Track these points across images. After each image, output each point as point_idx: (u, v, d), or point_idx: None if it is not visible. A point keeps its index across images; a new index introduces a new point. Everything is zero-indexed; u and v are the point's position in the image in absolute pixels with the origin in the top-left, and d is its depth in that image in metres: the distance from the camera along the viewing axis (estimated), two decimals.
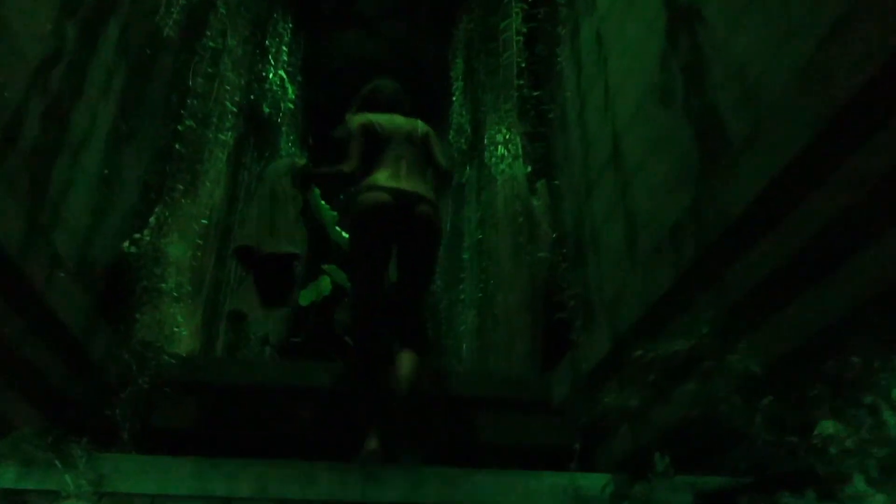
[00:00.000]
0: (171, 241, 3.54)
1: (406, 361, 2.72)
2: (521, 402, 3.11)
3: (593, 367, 2.64)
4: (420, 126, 3.22)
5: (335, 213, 7.70)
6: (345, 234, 7.90)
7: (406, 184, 2.92)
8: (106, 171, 2.76)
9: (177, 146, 2.80)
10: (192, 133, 3.01)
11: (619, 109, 2.96)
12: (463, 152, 5.36)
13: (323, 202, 7.69)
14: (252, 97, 4.99)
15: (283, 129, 5.64)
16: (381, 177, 2.93)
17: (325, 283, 7.31)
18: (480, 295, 4.67)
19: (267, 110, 5.16)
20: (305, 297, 7.20)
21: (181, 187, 2.83)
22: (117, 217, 2.87)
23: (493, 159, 4.78)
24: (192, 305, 4.17)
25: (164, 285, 2.90)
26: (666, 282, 2.10)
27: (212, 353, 4.97)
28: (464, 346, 5.24)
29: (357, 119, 3.18)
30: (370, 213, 2.85)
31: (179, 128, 2.82)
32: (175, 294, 3.54)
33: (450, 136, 5.60)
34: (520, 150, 4.23)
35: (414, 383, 2.65)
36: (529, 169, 3.98)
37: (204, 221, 3.64)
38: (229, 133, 4.91)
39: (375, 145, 3.07)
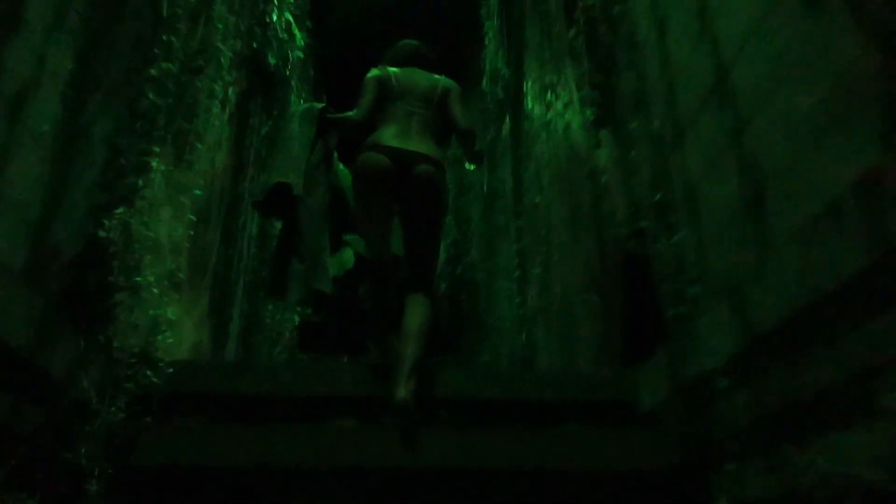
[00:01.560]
0: (159, 220, 2.92)
1: (412, 317, 2.60)
2: (594, 406, 2.48)
3: (708, 371, 1.98)
4: (441, 83, 3.10)
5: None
6: None
7: (410, 143, 2.85)
8: (61, 132, 2.12)
9: (150, 96, 2.13)
10: (173, 80, 2.35)
11: (723, 27, 2.25)
12: (499, 101, 4.65)
13: (342, 166, 7.03)
14: (255, 45, 4.31)
15: (293, 83, 4.96)
16: (386, 134, 2.88)
17: (348, 256, 6.68)
18: (523, 269, 4.02)
19: (273, 61, 4.47)
20: (337, 266, 6.61)
21: (157, 150, 2.17)
22: (79, 192, 2.23)
23: (539, 107, 4.09)
24: (193, 293, 3.57)
25: (145, 277, 2.27)
26: (851, 260, 1.42)
27: (223, 343, 4.40)
28: (506, 329, 4.62)
29: (374, 71, 3.15)
30: (366, 175, 2.80)
31: (153, 71, 2.15)
32: (166, 283, 2.93)
33: (483, 84, 4.89)
34: (574, 95, 3.53)
35: (422, 346, 2.50)
36: (589, 116, 3.29)
37: (198, 192, 2.99)
38: (231, 88, 4.26)
39: (388, 99, 3.02)
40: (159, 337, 2.55)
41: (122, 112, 2.23)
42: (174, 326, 3.27)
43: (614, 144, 3.06)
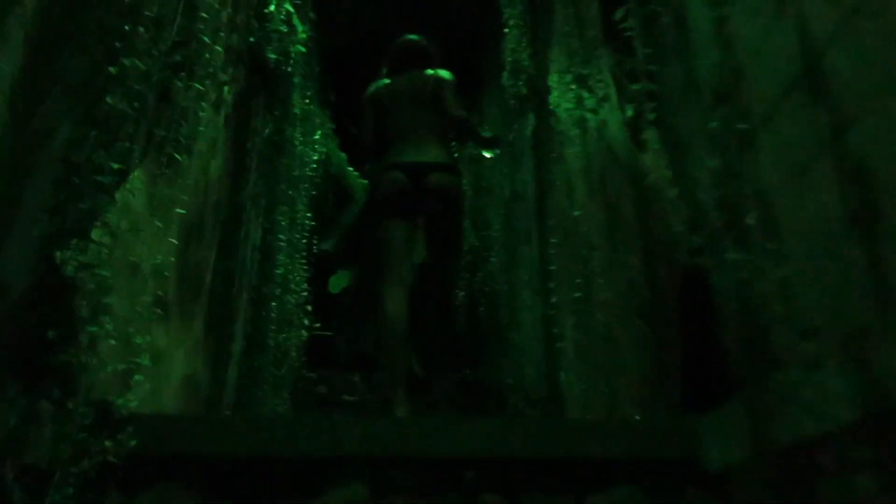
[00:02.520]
0: (136, 242, 2.53)
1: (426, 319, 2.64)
2: (649, 464, 2.07)
3: (812, 438, 1.56)
4: (432, 78, 3.02)
5: (365, 181, 6.63)
6: None
7: (418, 154, 2.81)
8: (6, 145, 1.73)
9: (107, 100, 1.73)
10: (144, 80, 1.95)
11: (809, 6, 1.82)
12: (521, 97, 4.22)
13: (350, 168, 6.62)
14: (252, 39, 3.91)
15: (296, 80, 4.55)
16: (393, 151, 2.86)
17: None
18: (549, 282, 3.61)
19: (273, 56, 4.07)
20: (336, 284, 6.20)
21: (115, 166, 1.77)
22: (28, 219, 1.84)
23: (567, 103, 3.67)
24: (184, 319, 3.18)
25: (113, 314, 1.88)
26: None
27: (225, 363, 4.01)
28: (530, 347, 4.20)
29: (369, 89, 3.18)
30: (383, 197, 2.77)
31: (112, 70, 1.75)
32: (146, 315, 2.54)
33: (503, 78, 4.47)
34: (611, 89, 3.10)
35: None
36: (630, 114, 2.86)
37: (180, 211, 2.61)
38: (226, 88, 3.87)
39: (388, 113, 3.00)
40: (133, 384, 2.16)
41: (80, 119, 1.83)
42: (160, 361, 2.89)
43: (662, 147, 2.63)
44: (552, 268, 3.04)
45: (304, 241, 5.23)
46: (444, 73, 3.10)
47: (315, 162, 6.06)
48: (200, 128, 2.97)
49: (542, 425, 2.15)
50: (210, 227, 3.63)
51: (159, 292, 2.80)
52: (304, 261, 5.15)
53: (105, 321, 1.72)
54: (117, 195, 1.98)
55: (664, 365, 2.38)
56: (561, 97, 3.79)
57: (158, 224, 2.51)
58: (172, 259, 2.94)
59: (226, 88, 3.82)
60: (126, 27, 1.80)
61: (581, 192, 3.09)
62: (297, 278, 5.13)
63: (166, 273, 2.83)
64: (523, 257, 4.63)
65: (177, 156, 2.46)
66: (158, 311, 2.60)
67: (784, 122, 1.90)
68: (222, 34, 3.29)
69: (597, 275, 2.65)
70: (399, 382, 2.60)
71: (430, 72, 3.09)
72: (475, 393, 5.27)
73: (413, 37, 3.42)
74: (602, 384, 2.57)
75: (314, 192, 5.85)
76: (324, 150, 6.48)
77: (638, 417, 2.32)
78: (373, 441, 2.03)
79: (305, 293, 5.28)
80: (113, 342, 1.85)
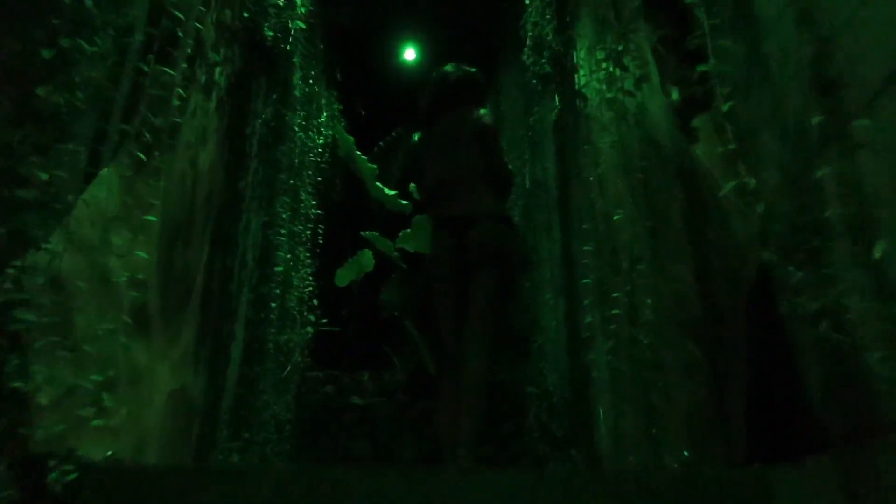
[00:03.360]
0: (108, 251, 2.19)
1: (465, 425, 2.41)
2: None
3: None
4: (473, 126, 2.86)
5: (374, 166, 6.24)
6: (387, 190, 6.45)
7: (464, 204, 2.72)
8: None
9: (38, 92, 1.37)
10: (91, 63, 1.59)
11: None
12: (544, 76, 3.81)
13: (359, 153, 6.23)
14: (246, 15, 3.53)
15: (296, 60, 4.17)
16: (442, 205, 2.81)
17: (367, 258, 5.92)
18: (575, 286, 3.23)
19: (270, 34, 3.69)
20: (342, 278, 5.84)
21: (44, 176, 1.41)
22: None
23: (598, 84, 3.28)
24: (170, 329, 2.84)
25: (73, 336, 1.53)
26: None
27: (222, 369, 3.69)
28: (553, 354, 3.83)
29: (412, 141, 3.10)
30: (434, 254, 2.73)
31: (45, 54, 1.39)
32: (120, 333, 2.21)
33: (524, 55, 4.05)
34: (651, 68, 2.71)
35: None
36: (676, 98, 2.47)
37: (151, 219, 2.27)
38: (218, 69, 3.50)
39: (432, 167, 2.91)
40: (95, 420, 1.83)
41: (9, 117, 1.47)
42: (139, 380, 2.56)
43: (717, 136, 2.24)
44: (586, 281, 2.65)
45: (309, 232, 4.88)
46: (485, 119, 2.89)
47: (321, 147, 5.69)
48: (180, 117, 2.60)
49: (578, 479, 1.80)
50: (201, 224, 3.28)
51: (140, 303, 2.48)
52: (308, 253, 4.80)
53: (37, 372, 1.36)
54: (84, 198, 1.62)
55: (722, 399, 2.02)
56: (590, 76, 3.40)
57: (129, 234, 2.14)
58: (157, 263, 2.61)
59: (217, 70, 3.45)
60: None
61: (616, 189, 2.70)
62: (302, 273, 4.79)
63: (145, 281, 2.49)
64: (544, 251, 4.25)
65: (155, 151, 2.04)
66: (136, 325, 2.26)
67: (890, 110, 1.51)
68: (214, 11, 2.91)
69: (639, 289, 2.27)
70: (453, 450, 2.41)
71: (471, 116, 2.88)
72: (491, 398, 4.93)
73: (455, 69, 3.15)
74: (644, 419, 2.20)
75: (319, 179, 5.48)
76: (330, 133, 6.10)
77: (689, 463, 1.96)
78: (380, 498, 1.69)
79: (310, 287, 4.94)
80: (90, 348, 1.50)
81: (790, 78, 1.81)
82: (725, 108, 1.80)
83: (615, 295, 2.32)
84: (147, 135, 2.14)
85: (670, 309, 2.24)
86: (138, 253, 2.44)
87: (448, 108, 2.98)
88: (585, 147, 3.34)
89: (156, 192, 2.63)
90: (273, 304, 3.85)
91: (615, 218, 2.50)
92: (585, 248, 2.76)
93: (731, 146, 2.12)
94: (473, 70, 3.16)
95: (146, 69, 2.14)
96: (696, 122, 2.33)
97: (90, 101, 1.61)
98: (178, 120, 2.46)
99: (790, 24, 1.89)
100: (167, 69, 2.65)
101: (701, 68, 1.87)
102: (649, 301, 2.15)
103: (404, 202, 6.23)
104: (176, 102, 2.35)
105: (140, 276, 2.47)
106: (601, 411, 2.52)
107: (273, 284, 3.87)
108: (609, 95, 3.17)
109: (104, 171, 2.27)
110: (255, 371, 3.65)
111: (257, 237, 4.15)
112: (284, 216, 4.17)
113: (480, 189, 2.73)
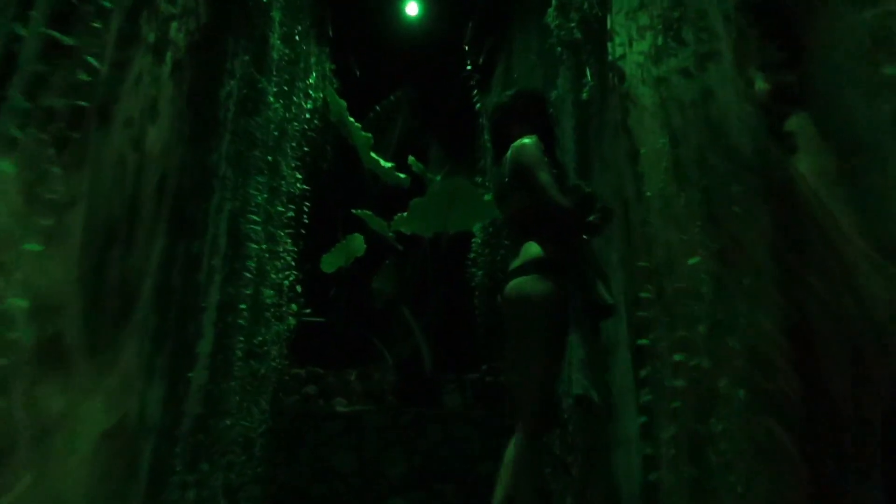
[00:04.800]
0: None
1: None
2: None
3: None
4: (506, 163, 2.63)
5: (369, 135, 5.58)
6: (383, 162, 5.81)
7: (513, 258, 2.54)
8: None
9: None
10: None
11: None
12: (573, 44, 3.16)
13: (352, 119, 5.57)
14: None
15: (274, 14, 3.51)
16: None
17: (357, 243, 5.31)
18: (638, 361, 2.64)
19: None
20: (330, 263, 5.25)
21: None
22: None
23: (642, 57, 2.68)
24: (100, 356, 2.27)
25: None
26: None
27: (184, 371, 3.13)
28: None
29: None
30: None
31: None
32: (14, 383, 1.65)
33: (548, 17, 3.40)
34: (722, 41, 2.11)
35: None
36: (762, 86, 1.86)
37: (45, 221, 1.69)
38: (173, 25, 2.86)
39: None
40: None
41: None
42: (54, 429, 2.01)
43: (826, 145, 1.64)
44: (643, 343, 2.04)
45: (292, 213, 4.28)
46: (516, 151, 2.57)
47: (308, 112, 5.05)
48: (117, 86, 2.00)
49: None
50: (150, 216, 2.68)
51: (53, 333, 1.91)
52: (289, 239, 4.21)
53: None
54: None
55: (821, 483, 1.47)
56: (632, 46, 2.78)
57: (33, 245, 1.57)
58: (72, 282, 2.03)
59: (173, 26, 2.81)
60: None
61: (664, 202, 2.11)
62: (285, 257, 4.21)
63: (58, 307, 1.92)
64: None
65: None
66: (44, 365, 1.70)
67: None
68: None
69: (700, 345, 1.69)
70: None
71: (511, 149, 2.60)
72: (491, 398, 4.41)
73: (502, 97, 2.86)
74: (698, 495, 1.66)
75: (306, 150, 4.86)
76: (320, 95, 5.44)
77: None
78: None
79: (293, 275, 4.37)
80: None
81: None
82: (765, 86, 1.20)
83: (677, 358, 1.74)
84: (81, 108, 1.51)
85: (742, 348, 1.68)
86: (46, 270, 1.87)
87: (500, 145, 2.74)
88: (620, 135, 2.74)
89: (78, 187, 2.05)
90: (243, 306, 3.28)
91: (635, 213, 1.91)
92: (643, 293, 2.14)
93: (855, 160, 1.53)
94: (511, 93, 2.86)
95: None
96: (793, 122, 1.73)
97: None
98: (145, 82, 1.84)
99: None
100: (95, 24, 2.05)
101: (727, 39, 1.27)
102: (706, 360, 1.58)
103: (401, 175, 5.62)
104: (140, 64, 1.74)
105: (50, 302, 1.90)
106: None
107: (242, 283, 3.29)
108: (656, 72, 2.56)
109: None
110: (221, 387, 3.10)
111: (230, 221, 3.56)
112: (260, 199, 3.56)
113: (520, 236, 2.51)
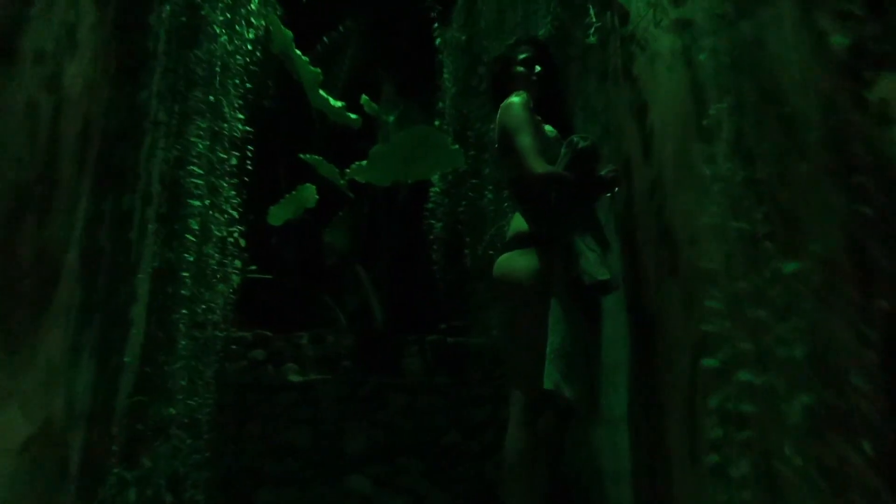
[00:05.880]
0: None
1: None
2: None
3: None
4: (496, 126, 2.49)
5: (318, 70, 5.06)
6: (333, 101, 5.31)
7: None
8: None
9: None
10: None
11: None
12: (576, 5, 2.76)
13: (299, 52, 5.02)
14: None
15: None
16: None
17: (308, 193, 4.84)
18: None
19: None
20: (277, 216, 4.78)
21: None
22: None
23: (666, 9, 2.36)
24: (16, 352, 1.84)
25: None
26: None
27: (110, 373, 2.70)
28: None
29: None
30: None
31: None
32: None
33: None
34: None
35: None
36: (840, 41, 1.55)
37: None
38: None
39: None
40: None
41: None
42: None
43: None
44: (710, 362, 1.72)
45: (235, 160, 3.80)
46: (501, 111, 2.43)
47: (250, 42, 4.48)
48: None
49: None
50: (71, 175, 2.20)
51: None
52: (233, 190, 3.74)
53: None
54: None
55: None
56: None
57: None
58: None
59: None
60: None
61: (699, 192, 1.81)
62: (229, 210, 3.75)
63: None
64: None
65: None
66: None
67: None
68: None
69: (768, 361, 1.43)
70: None
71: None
72: (454, 363, 4.14)
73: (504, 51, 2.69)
74: None
75: (248, 86, 4.32)
76: (262, 23, 4.85)
77: None
78: None
79: (237, 229, 3.92)
80: None
81: None
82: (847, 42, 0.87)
83: (743, 377, 1.46)
84: None
85: (819, 396, 1.42)
86: None
87: (499, 101, 2.52)
88: (623, 86, 2.41)
89: None
90: (185, 274, 2.86)
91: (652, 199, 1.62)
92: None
93: None
94: (510, 43, 2.70)
95: None
96: (883, 87, 1.43)
97: None
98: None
99: None
100: None
101: None
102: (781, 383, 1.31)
103: (353, 115, 5.15)
104: None
105: None
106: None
107: (184, 247, 2.86)
108: (675, 14, 2.23)
109: None
110: (161, 365, 2.70)
111: (168, 175, 3.08)
112: (202, 147, 3.10)
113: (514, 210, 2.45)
